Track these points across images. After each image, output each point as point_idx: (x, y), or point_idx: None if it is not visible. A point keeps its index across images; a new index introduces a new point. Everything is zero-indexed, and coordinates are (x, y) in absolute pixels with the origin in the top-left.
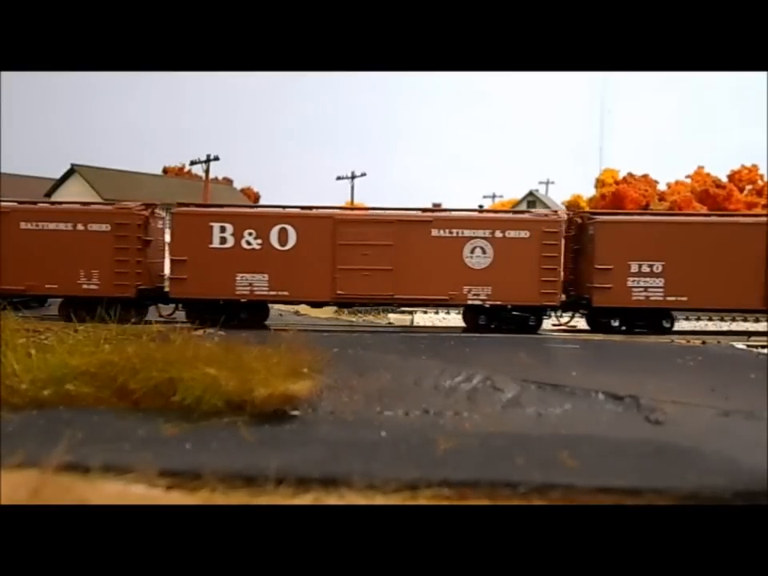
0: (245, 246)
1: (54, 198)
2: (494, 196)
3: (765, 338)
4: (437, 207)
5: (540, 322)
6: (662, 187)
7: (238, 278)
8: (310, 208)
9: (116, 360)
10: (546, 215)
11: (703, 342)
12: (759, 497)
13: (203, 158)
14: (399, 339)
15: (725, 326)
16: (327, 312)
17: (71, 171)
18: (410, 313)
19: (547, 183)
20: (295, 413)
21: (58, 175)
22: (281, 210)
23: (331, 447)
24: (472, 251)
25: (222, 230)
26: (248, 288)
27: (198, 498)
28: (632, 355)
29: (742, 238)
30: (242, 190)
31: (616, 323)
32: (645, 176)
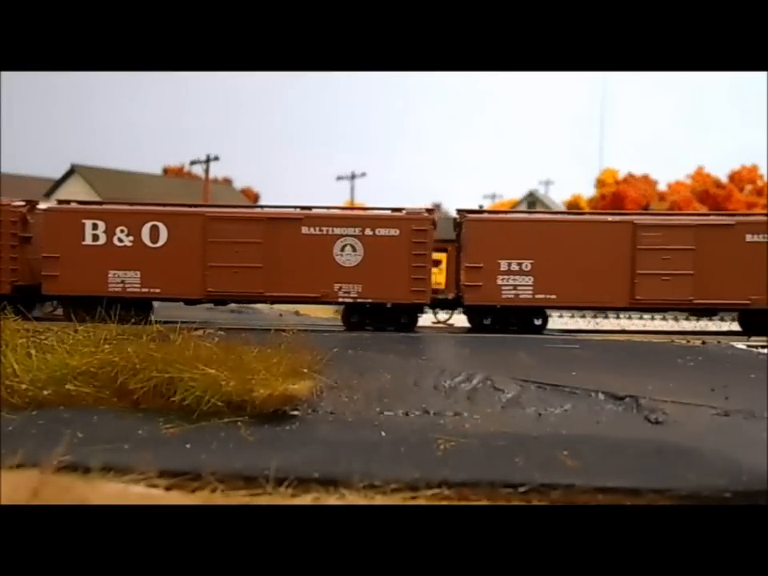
0: (117, 243)
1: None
2: (494, 196)
3: (765, 338)
4: (307, 206)
5: (414, 321)
6: (662, 187)
7: (110, 275)
8: (187, 206)
9: (116, 360)
10: (416, 214)
11: (703, 342)
12: (759, 497)
13: (203, 158)
14: (399, 339)
15: (725, 326)
16: (327, 312)
17: (71, 171)
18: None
19: (547, 183)
20: (295, 413)
21: (58, 175)
22: (152, 207)
23: (331, 447)
24: (342, 249)
25: (95, 227)
26: (120, 285)
27: (197, 497)
28: (632, 355)
29: (608, 237)
30: (242, 190)
31: (488, 321)
32: (645, 176)
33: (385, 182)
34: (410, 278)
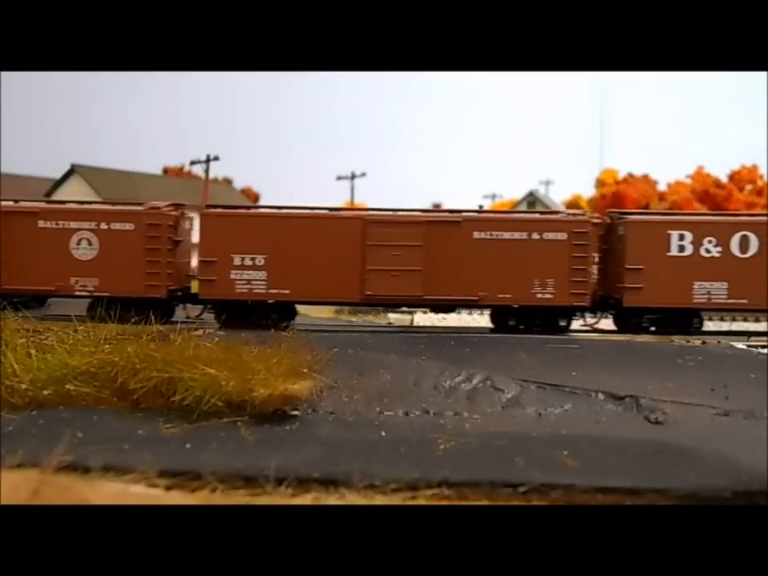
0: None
1: (53, 198)
2: (493, 196)
3: (765, 338)
4: (53, 200)
5: (171, 313)
6: (662, 187)
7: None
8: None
9: (116, 360)
10: (151, 208)
11: (703, 342)
12: (759, 497)
13: (203, 158)
14: (399, 339)
15: (725, 326)
16: (327, 312)
17: (71, 171)
18: (410, 312)
19: (547, 183)
20: (295, 413)
21: (58, 175)
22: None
23: (331, 447)
24: (78, 243)
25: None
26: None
27: (197, 497)
28: (632, 355)
29: (339, 232)
30: (242, 190)
31: (224, 316)
32: (645, 176)
33: (385, 182)
34: (145, 272)
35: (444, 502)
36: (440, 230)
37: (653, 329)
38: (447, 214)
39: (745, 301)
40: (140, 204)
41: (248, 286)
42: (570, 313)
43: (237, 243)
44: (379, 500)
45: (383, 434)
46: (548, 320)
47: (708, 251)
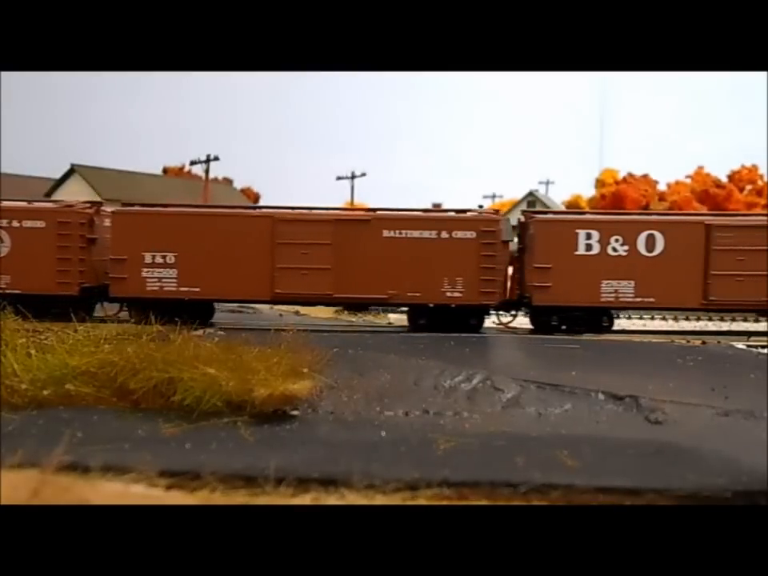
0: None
1: (53, 198)
2: (493, 196)
3: (765, 338)
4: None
5: (90, 311)
6: (661, 187)
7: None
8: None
9: (116, 360)
10: (66, 206)
11: (703, 342)
12: (759, 497)
13: (203, 158)
14: (399, 339)
15: (725, 326)
16: (327, 312)
17: (71, 171)
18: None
19: (547, 183)
20: (295, 413)
21: (57, 175)
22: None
23: (331, 447)
24: None
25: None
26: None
27: (197, 497)
28: (632, 355)
29: (249, 231)
30: (242, 190)
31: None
32: (645, 176)
33: (385, 182)
34: (56, 270)
35: (444, 502)
36: (349, 229)
37: (563, 327)
38: (357, 212)
39: (652, 299)
40: (54, 202)
41: (159, 284)
42: (483, 312)
43: (148, 241)
44: (379, 500)
45: (383, 433)
46: (459, 319)
47: (615, 250)
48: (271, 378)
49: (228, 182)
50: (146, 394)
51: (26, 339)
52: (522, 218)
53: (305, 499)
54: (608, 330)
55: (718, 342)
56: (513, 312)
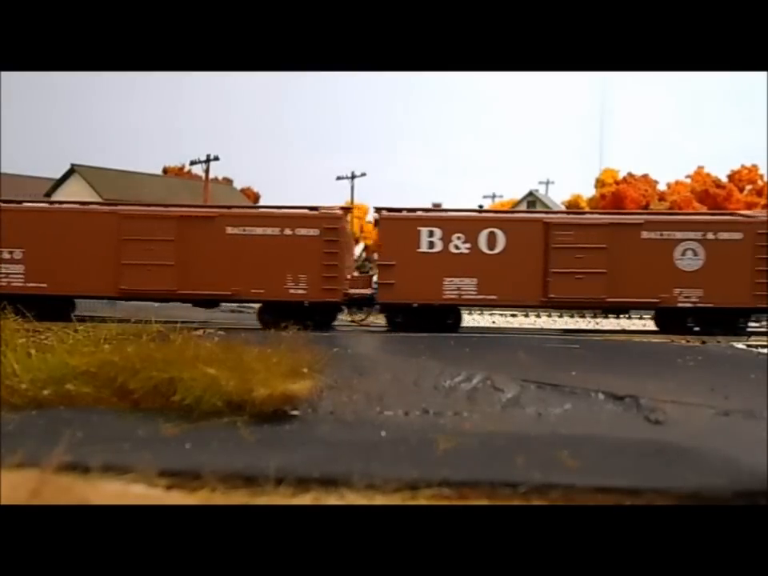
0: None
1: (52, 199)
2: (493, 196)
3: (765, 338)
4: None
5: None
6: (661, 187)
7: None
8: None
9: (116, 360)
10: None
11: (703, 342)
12: (759, 497)
13: (203, 158)
14: (399, 339)
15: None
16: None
17: (71, 171)
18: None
19: (547, 183)
20: (295, 413)
21: (58, 175)
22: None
23: (331, 447)
24: None
25: None
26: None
27: (197, 497)
28: (632, 355)
29: (95, 227)
30: (242, 190)
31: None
32: (645, 176)
33: (385, 182)
34: None
35: (444, 502)
36: (193, 226)
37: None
38: (202, 209)
39: (494, 297)
40: None
41: (6, 279)
42: (333, 309)
43: None
44: (379, 500)
45: (383, 433)
46: (309, 317)
47: (457, 247)
48: (271, 377)
49: (228, 181)
50: (146, 393)
51: (26, 339)
52: (377, 216)
53: (305, 499)
54: (454, 328)
55: (718, 342)
56: (366, 309)
